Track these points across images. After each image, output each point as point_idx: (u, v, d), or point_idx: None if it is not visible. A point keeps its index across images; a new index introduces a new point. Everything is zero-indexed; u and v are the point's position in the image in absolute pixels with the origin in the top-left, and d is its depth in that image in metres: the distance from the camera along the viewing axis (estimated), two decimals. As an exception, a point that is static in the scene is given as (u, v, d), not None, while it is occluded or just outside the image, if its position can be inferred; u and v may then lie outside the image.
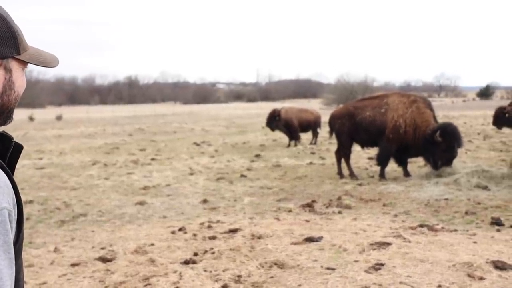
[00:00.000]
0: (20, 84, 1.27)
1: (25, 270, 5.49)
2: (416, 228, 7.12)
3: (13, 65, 1.23)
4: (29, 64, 1.30)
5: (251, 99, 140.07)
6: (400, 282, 5.05)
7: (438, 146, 10.67)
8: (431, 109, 11.36)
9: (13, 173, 1.16)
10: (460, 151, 11.89)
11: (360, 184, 10.85)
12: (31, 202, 9.32)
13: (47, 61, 1.32)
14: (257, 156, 16.58)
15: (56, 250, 6.40)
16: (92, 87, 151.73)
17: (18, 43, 1.23)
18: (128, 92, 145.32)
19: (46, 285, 5.21)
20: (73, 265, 5.82)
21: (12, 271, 1.00)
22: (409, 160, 12.06)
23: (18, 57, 1.24)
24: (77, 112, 68.87)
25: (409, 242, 6.46)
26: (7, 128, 1.25)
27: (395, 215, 8.04)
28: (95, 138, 26.06)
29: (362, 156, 15.26)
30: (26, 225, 7.56)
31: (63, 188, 10.93)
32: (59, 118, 48.78)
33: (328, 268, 5.53)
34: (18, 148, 1.20)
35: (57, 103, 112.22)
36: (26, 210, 8.47)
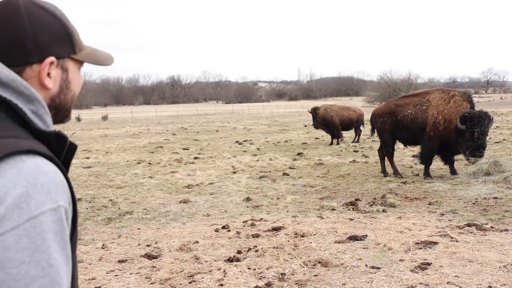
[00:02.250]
0: (76, 83, 1.30)
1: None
2: (464, 228, 6.95)
3: (69, 64, 1.26)
4: (84, 63, 1.33)
5: (292, 97, 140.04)
6: (448, 282, 4.94)
7: (463, 135, 10.33)
8: (470, 102, 10.95)
9: (67, 172, 1.18)
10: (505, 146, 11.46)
11: (404, 183, 10.67)
12: (79, 200, 9.56)
13: (102, 60, 1.35)
14: (300, 154, 16.53)
15: (104, 246, 6.55)
16: (136, 87, 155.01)
17: (74, 43, 1.26)
18: (171, 92, 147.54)
19: (95, 280, 5.34)
20: (120, 261, 5.95)
21: (68, 267, 1.02)
22: (456, 157, 11.77)
23: (74, 56, 1.26)
24: (122, 112, 70.35)
25: (457, 241, 6.32)
26: (56, 128, 1.28)
27: (442, 214, 7.87)
28: (139, 137, 26.53)
29: (407, 154, 15.01)
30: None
31: (110, 187, 11.17)
32: (104, 118, 49.92)
33: (372, 267, 5.47)
34: (73, 147, 1.22)
35: (102, 104, 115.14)
36: (74, 208, 8.74)
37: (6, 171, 0.98)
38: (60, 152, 1.18)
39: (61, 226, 1.01)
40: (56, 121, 1.28)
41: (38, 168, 1.01)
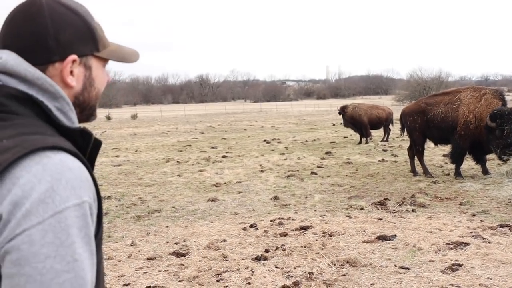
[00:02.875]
0: (100, 81, 1.29)
1: (104, 263, 5.72)
2: (497, 228, 6.81)
3: (93, 62, 1.26)
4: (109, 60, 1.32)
5: (321, 96, 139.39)
6: (480, 284, 4.84)
7: (493, 132, 10.06)
8: (502, 100, 10.67)
9: (93, 168, 1.19)
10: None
11: (434, 182, 10.50)
12: (109, 197, 9.69)
13: (127, 57, 1.34)
14: (328, 153, 16.44)
15: (133, 244, 6.62)
16: (165, 86, 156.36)
17: (97, 40, 1.25)
18: (199, 90, 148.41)
19: (124, 277, 5.40)
20: (149, 259, 6.00)
21: (93, 262, 1.03)
22: (488, 157, 11.54)
23: (97, 54, 1.26)
24: (151, 111, 71.08)
25: (489, 242, 6.19)
26: (87, 126, 1.29)
27: (473, 214, 7.72)
28: (168, 136, 26.75)
29: (437, 153, 14.77)
30: (105, 219, 7.85)
31: (139, 185, 11.29)
32: (134, 117, 50.53)
33: (402, 268, 5.40)
34: (98, 143, 1.23)
35: (132, 103, 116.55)
36: (104, 205, 8.84)
37: (32, 167, 0.99)
38: (85, 148, 1.19)
39: (85, 221, 1.02)
40: (81, 119, 1.28)
41: (63, 164, 1.02)
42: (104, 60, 1.30)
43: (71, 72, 1.20)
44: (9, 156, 0.99)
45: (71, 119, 1.19)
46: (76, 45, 1.20)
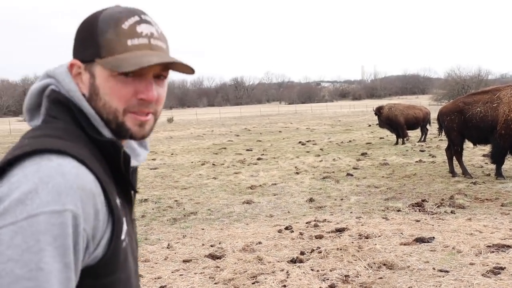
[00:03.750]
0: (108, 92, 1.21)
1: (141, 265, 5.77)
2: (540, 230, 6.59)
3: (97, 70, 1.21)
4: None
5: (356, 97, 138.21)
6: (522, 288, 4.69)
7: None
8: None
9: (130, 183, 1.21)
10: None
11: (474, 183, 10.25)
12: (146, 200, 9.82)
13: (125, 65, 1.16)
14: (364, 154, 16.26)
15: (169, 246, 6.68)
16: (200, 89, 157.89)
17: (99, 46, 1.20)
18: (234, 93, 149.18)
19: (161, 279, 5.46)
20: (185, 261, 6.04)
21: (67, 275, 0.96)
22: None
23: (97, 61, 1.22)
24: (187, 114, 71.75)
25: (532, 245, 5.99)
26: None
27: (515, 216, 7.50)
28: (203, 139, 26.95)
29: (476, 153, 14.43)
30: (142, 222, 7.94)
31: (175, 188, 11.40)
32: (170, 120, 51.10)
33: (441, 271, 5.28)
34: (127, 158, 1.19)
35: (168, 106, 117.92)
36: (141, 208, 8.98)
37: (27, 167, 0.99)
38: (118, 160, 1.16)
39: (63, 231, 0.96)
40: (116, 135, 1.21)
41: (58, 168, 0.99)
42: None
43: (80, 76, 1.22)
44: (15, 153, 1.02)
45: (100, 133, 1.18)
46: (79, 50, 1.22)
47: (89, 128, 1.16)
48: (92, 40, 1.18)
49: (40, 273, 0.92)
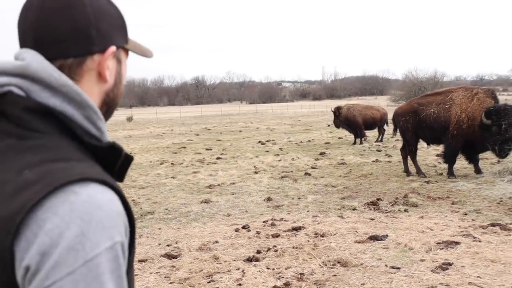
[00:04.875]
0: (125, 76, 1.21)
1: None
2: (487, 227, 6.84)
3: (122, 56, 1.18)
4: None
5: (316, 97, 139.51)
6: (469, 283, 4.86)
7: (490, 130, 10.08)
8: (494, 99, 10.70)
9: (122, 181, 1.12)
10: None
11: (427, 182, 10.54)
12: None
13: (146, 51, 1.25)
14: (322, 154, 16.46)
15: (124, 246, 6.61)
16: (160, 88, 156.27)
17: (127, 32, 1.18)
18: (195, 92, 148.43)
19: (115, 280, 5.39)
20: (140, 261, 6.00)
21: None
22: (481, 156, 11.58)
23: (126, 47, 1.18)
24: (147, 113, 70.96)
25: (480, 241, 6.21)
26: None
27: (465, 214, 7.75)
28: (163, 138, 26.73)
29: (431, 153, 14.82)
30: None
31: (132, 187, 11.28)
32: (129, 119, 50.42)
33: (392, 267, 5.41)
34: (128, 159, 1.11)
35: (128, 105, 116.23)
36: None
37: (58, 208, 0.90)
38: (115, 162, 1.09)
39: (117, 263, 0.94)
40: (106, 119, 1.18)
41: (92, 201, 0.92)
42: (127, 55, 1.21)
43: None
44: (32, 196, 0.89)
45: (100, 128, 1.08)
46: (115, 35, 1.11)
47: (86, 136, 1.05)
48: (123, 26, 1.16)
49: None
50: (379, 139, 20.45)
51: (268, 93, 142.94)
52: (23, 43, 1.06)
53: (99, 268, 0.89)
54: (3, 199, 0.91)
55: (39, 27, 1.04)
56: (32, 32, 1.05)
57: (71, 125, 1.02)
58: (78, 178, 0.92)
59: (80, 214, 0.89)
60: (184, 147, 20.56)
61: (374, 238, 6.49)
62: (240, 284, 5.09)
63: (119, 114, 65.28)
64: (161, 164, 15.30)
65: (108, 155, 1.07)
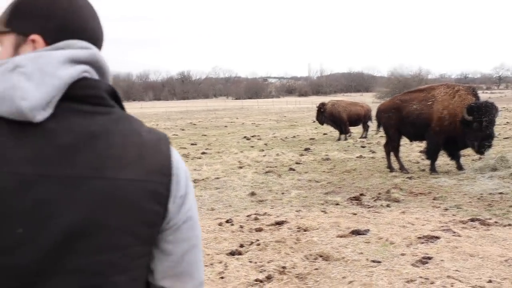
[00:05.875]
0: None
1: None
2: (467, 222, 6.94)
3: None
4: None
5: (302, 93, 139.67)
6: (448, 276, 4.95)
7: (471, 126, 10.23)
8: (475, 96, 10.86)
9: None
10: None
11: (410, 178, 10.65)
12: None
13: None
14: (307, 149, 16.54)
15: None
16: (146, 83, 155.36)
17: None
18: (181, 87, 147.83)
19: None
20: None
21: None
22: (462, 153, 11.73)
23: None
24: (132, 108, 70.49)
25: (459, 236, 6.31)
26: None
27: (445, 209, 7.86)
28: (148, 133, 26.53)
29: (414, 149, 14.97)
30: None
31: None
32: (114, 113, 50.03)
33: (373, 261, 5.48)
34: None
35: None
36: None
37: (175, 154, 1.24)
38: None
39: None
40: None
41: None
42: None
43: None
44: (165, 149, 1.21)
45: None
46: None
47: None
48: None
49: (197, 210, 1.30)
50: (363, 135, 20.58)
51: (254, 88, 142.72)
52: (68, 36, 1.18)
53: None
54: (148, 154, 1.17)
55: (94, 28, 1.23)
56: (89, 31, 1.22)
57: (119, 100, 1.23)
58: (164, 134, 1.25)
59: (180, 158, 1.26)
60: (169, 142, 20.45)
61: (356, 232, 6.56)
62: (222, 277, 5.13)
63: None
64: (145, 158, 15.21)
65: None
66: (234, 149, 17.06)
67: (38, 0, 1.17)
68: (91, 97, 1.13)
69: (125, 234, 1.12)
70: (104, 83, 1.18)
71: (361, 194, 9.01)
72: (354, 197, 8.79)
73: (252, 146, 18.19)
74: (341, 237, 6.45)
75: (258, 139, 20.97)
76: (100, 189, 1.08)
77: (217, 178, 11.34)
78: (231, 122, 35.21)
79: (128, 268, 1.14)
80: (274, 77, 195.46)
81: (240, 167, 12.91)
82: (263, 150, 16.62)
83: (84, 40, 1.19)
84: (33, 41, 1.15)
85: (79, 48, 1.16)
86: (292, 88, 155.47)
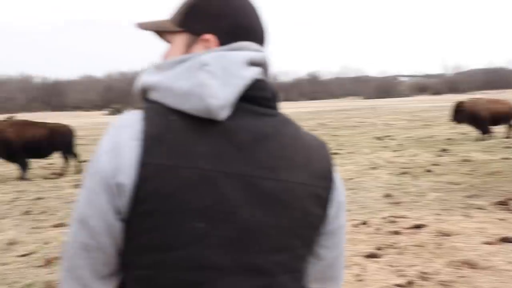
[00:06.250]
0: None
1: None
2: None
3: None
4: None
5: (436, 91, 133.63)
6: None
7: None
8: None
9: None
10: None
11: None
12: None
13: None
14: (444, 150, 15.71)
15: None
16: (275, 84, 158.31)
17: None
18: (310, 88, 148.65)
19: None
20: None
21: None
22: None
23: None
24: (262, 109, 72.12)
25: None
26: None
27: None
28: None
29: None
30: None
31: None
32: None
33: (527, 272, 5.03)
34: None
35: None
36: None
37: (333, 161, 1.33)
38: None
39: None
40: None
41: None
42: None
43: None
44: (328, 156, 1.30)
45: None
46: None
47: None
48: None
49: None
50: (508, 135, 19.12)
51: (385, 88, 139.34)
52: (241, 35, 1.20)
53: None
54: (314, 158, 1.23)
55: (262, 29, 1.25)
56: (258, 31, 1.24)
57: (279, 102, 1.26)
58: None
59: None
60: (300, 142, 20.60)
61: (505, 240, 6.07)
62: (361, 280, 5.02)
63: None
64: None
65: None
66: (366, 150, 16.72)
67: (212, 0, 1.19)
68: (263, 98, 1.17)
69: (294, 236, 1.14)
70: (272, 85, 1.21)
71: (509, 199, 8.33)
72: (500, 202, 8.15)
73: (385, 147, 17.69)
74: (488, 244, 6.01)
75: (390, 139, 20.36)
76: (274, 189, 1.10)
77: (350, 179, 11.17)
78: (362, 122, 34.58)
79: (294, 269, 1.16)
80: (405, 76, 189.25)
81: (374, 168, 12.60)
82: (396, 151, 16.09)
83: (253, 41, 1.21)
84: (207, 40, 1.17)
85: (255, 50, 1.19)
86: (425, 86, 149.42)
